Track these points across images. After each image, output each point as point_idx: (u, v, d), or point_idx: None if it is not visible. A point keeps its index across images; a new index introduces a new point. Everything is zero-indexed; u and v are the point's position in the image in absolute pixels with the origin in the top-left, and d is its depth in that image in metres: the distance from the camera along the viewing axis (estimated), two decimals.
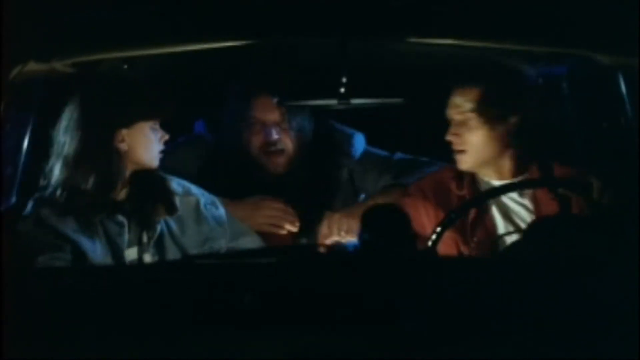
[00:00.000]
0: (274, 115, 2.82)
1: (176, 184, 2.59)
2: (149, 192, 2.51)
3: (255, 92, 2.83)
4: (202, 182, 2.78)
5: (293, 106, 2.84)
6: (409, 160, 2.98)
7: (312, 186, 2.87)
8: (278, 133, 2.83)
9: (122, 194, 2.48)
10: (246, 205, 2.77)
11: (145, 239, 2.48)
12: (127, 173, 2.46)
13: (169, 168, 2.67)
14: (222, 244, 2.59)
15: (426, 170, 2.85)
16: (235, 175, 2.88)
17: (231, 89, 2.90)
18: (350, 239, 2.63)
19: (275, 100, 2.80)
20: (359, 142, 3.01)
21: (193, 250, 2.53)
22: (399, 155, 3.00)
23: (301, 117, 2.88)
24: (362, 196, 2.97)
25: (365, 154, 3.01)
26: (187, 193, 2.60)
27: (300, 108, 2.87)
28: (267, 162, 2.86)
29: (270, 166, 2.86)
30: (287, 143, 2.85)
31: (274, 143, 2.83)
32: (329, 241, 2.69)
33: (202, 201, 2.61)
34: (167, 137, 2.50)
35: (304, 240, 2.82)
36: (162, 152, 2.53)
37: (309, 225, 2.81)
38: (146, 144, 2.46)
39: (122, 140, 2.42)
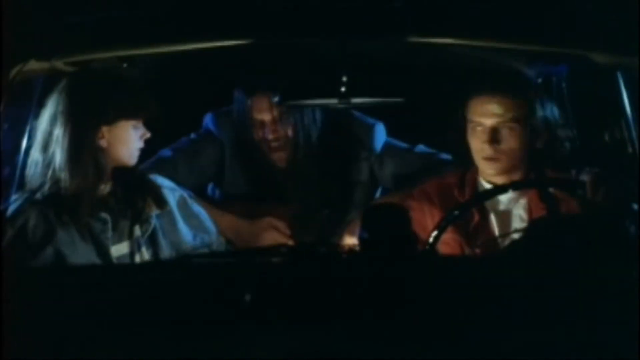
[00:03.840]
0: (269, 114, 2.84)
1: (160, 179, 2.61)
2: (135, 187, 2.52)
3: (252, 92, 2.85)
4: (215, 180, 2.88)
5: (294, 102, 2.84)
6: (430, 154, 2.95)
7: (326, 180, 2.88)
8: (274, 131, 2.85)
9: (104, 190, 2.48)
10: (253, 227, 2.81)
11: (137, 234, 2.48)
12: (109, 170, 2.47)
13: (181, 164, 2.77)
14: (213, 239, 2.62)
15: (446, 167, 2.83)
16: (245, 171, 2.95)
17: (235, 90, 2.92)
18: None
19: (270, 98, 2.82)
20: (380, 134, 2.99)
21: (185, 245, 2.54)
22: (420, 147, 2.98)
23: (305, 110, 2.88)
24: (380, 191, 2.97)
25: (386, 146, 2.98)
26: (172, 187, 2.62)
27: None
28: (271, 157, 2.90)
29: (275, 161, 2.91)
30: (287, 138, 2.86)
31: (274, 140, 2.86)
32: (332, 240, 2.70)
33: (187, 195, 2.64)
34: (148, 135, 2.50)
35: (307, 238, 2.83)
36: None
37: (318, 222, 2.84)
38: (126, 142, 2.46)
39: (102, 137, 2.43)
